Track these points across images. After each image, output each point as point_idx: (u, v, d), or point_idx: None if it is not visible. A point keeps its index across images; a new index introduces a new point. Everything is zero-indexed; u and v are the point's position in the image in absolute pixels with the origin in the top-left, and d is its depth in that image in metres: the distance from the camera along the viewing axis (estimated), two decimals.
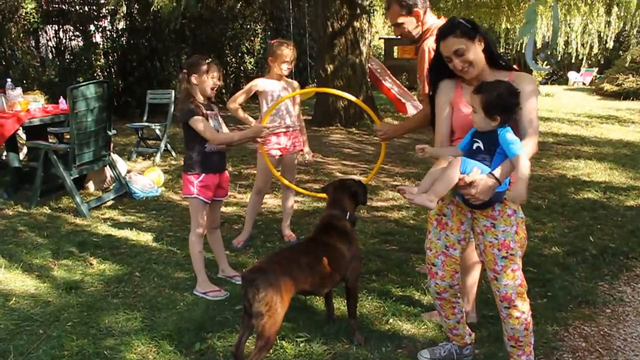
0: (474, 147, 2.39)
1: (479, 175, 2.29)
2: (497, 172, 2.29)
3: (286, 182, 4.25)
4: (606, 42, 12.82)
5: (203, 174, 3.52)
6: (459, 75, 2.47)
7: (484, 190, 2.27)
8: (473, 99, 2.38)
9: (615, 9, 10.98)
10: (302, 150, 4.60)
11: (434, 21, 3.17)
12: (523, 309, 2.50)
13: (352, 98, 3.82)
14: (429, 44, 3.05)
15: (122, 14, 12.37)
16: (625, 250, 4.40)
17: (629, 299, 3.64)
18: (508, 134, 2.30)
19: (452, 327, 2.80)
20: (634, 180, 6.73)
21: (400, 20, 3.16)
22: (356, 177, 3.48)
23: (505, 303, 2.49)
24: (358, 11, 10.62)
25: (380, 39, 24.09)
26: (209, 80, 3.46)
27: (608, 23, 12.19)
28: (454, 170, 2.32)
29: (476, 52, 2.40)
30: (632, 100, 16.13)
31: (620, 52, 18.56)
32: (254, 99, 4.55)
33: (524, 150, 2.25)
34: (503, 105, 2.31)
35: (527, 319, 2.53)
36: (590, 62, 16.66)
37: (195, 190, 3.51)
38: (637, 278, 3.96)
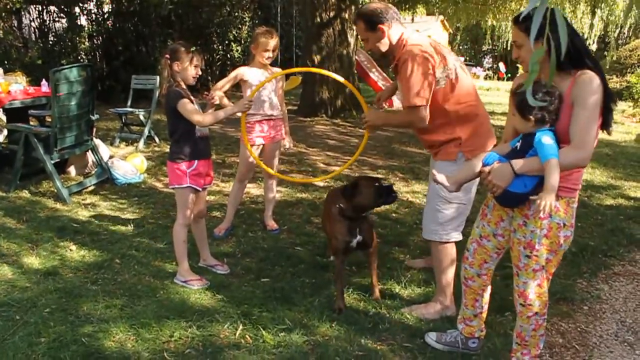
0: (515, 146, 2.43)
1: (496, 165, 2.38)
2: (516, 162, 2.32)
3: (271, 170, 4.21)
4: (589, 44, 13.00)
5: (196, 161, 3.48)
6: None
7: (496, 175, 2.34)
8: (511, 101, 2.43)
9: (598, 12, 11.08)
10: (283, 139, 4.58)
11: (403, 33, 3.08)
12: (537, 309, 2.51)
13: (341, 79, 3.83)
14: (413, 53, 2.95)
15: None
16: (604, 248, 4.46)
17: (606, 296, 3.69)
18: (544, 137, 2.26)
19: (467, 318, 2.85)
20: (614, 180, 6.81)
21: (366, 36, 3.14)
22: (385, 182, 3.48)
23: (521, 300, 2.52)
24: (347, 2, 10.59)
25: None
26: (192, 68, 3.43)
27: (591, 26, 12.33)
28: (477, 161, 2.50)
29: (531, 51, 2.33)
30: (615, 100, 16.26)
31: (605, 53, 18.72)
32: (238, 88, 4.50)
33: (559, 157, 2.21)
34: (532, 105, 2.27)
35: (539, 322, 2.55)
36: None
37: (187, 179, 3.47)
38: (614, 276, 4.01)
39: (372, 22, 3.06)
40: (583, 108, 2.25)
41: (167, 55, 3.41)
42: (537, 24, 1.19)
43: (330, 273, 3.78)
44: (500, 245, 2.65)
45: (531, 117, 2.30)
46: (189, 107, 3.34)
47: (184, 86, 3.45)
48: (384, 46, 3.10)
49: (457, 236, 3.22)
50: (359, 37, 11.83)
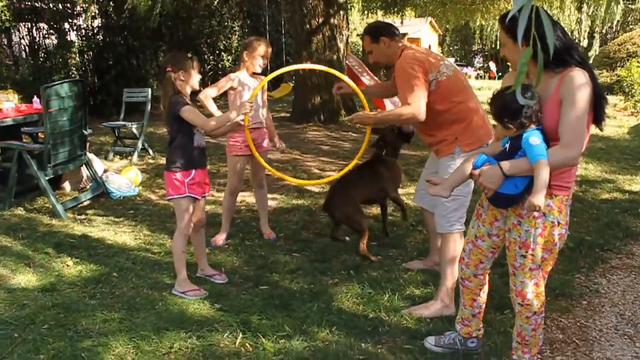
0: (504, 147, 2.44)
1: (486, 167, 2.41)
2: (505, 164, 2.33)
3: (278, 173, 4.08)
4: (580, 40, 13.09)
5: (194, 171, 3.49)
6: None
7: (487, 177, 2.37)
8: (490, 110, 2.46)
9: (585, 8, 11.16)
10: (269, 148, 4.57)
11: (402, 46, 3.46)
12: (536, 309, 2.51)
13: (334, 72, 3.98)
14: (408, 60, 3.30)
15: (96, 12, 12.18)
16: (601, 242, 4.47)
17: (604, 290, 3.70)
18: (532, 138, 2.26)
19: (465, 318, 2.86)
20: (608, 174, 6.84)
21: (370, 48, 3.55)
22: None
23: (519, 299, 2.51)
24: (335, 8, 10.62)
25: (358, 35, 24.13)
26: (196, 75, 3.48)
27: (579, 21, 12.44)
28: (468, 164, 2.50)
29: (513, 51, 2.37)
30: (606, 94, 16.36)
31: (596, 48, 18.84)
32: (222, 95, 4.45)
33: (548, 157, 2.22)
34: (508, 112, 2.30)
35: (538, 321, 2.55)
36: None
37: (185, 189, 3.47)
38: (612, 270, 4.02)
39: (375, 35, 3.50)
40: (571, 106, 2.24)
41: (169, 68, 3.42)
42: (523, 25, 1.18)
43: (329, 277, 3.78)
44: (495, 245, 2.65)
45: (510, 126, 2.33)
46: (192, 113, 3.38)
47: (188, 94, 3.50)
48: (386, 57, 3.51)
49: (460, 227, 3.35)
50: (348, 42, 11.89)
